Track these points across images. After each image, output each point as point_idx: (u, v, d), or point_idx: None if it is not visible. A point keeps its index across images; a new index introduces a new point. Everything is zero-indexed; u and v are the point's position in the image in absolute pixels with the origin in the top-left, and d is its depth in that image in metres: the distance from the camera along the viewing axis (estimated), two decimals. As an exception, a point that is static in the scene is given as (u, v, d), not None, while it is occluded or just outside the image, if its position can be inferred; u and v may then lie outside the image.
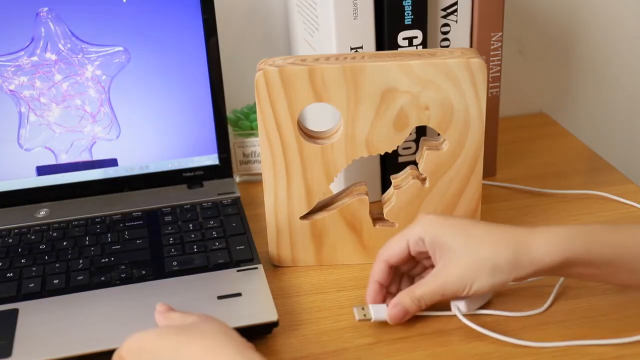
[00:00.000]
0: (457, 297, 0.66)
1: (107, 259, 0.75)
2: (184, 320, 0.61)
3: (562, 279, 0.71)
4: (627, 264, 0.63)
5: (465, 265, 0.64)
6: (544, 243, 0.63)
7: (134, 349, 0.56)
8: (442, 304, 0.68)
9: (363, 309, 0.68)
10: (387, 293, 0.70)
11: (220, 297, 0.69)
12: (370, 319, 0.67)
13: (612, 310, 0.69)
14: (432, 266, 0.67)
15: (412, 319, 0.68)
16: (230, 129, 0.93)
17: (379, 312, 0.67)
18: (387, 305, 0.67)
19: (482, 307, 0.69)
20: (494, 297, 0.70)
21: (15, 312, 0.69)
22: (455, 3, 0.83)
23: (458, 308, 0.68)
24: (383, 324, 0.68)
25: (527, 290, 0.72)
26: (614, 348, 0.64)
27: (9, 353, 0.63)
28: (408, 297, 0.66)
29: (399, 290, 0.70)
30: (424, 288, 0.66)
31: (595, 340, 0.65)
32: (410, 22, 0.80)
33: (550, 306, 0.69)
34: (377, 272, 0.68)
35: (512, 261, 0.63)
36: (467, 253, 0.64)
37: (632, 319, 0.68)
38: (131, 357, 0.56)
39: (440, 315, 0.68)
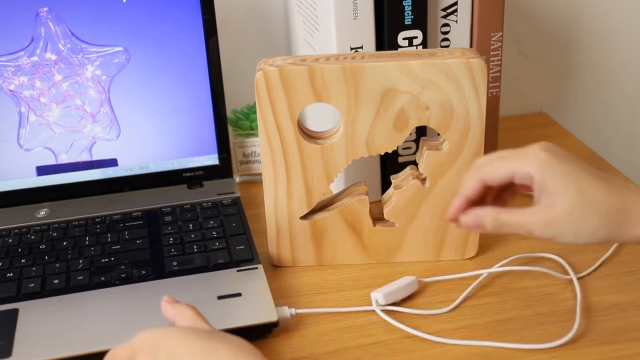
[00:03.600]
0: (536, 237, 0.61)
1: (107, 259, 0.75)
2: (196, 323, 0.58)
3: None
4: None
5: (567, 223, 0.59)
6: None
7: (148, 345, 0.53)
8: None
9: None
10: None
11: (220, 297, 0.69)
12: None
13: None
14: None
15: (413, 319, 0.68)
16: (230, 129, 0.93)
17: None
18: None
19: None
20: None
21: (15, 312, 0.69)
22: (455, 3, 0.83)
23: (377, 301, 0.69)
24: (382, 324, 0.68)
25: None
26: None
27: (9, 353, 0.63)
28: (491, 215, 0.61)
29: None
30: (516, 217, 0.61)
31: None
32: (410, 22, 0.80)
33: None
34: (470, 189, 0.62)
35: (614, 231, 0.59)
36: (575, 214, 0.59)
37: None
38: (144, 355, 0.53)
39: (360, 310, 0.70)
